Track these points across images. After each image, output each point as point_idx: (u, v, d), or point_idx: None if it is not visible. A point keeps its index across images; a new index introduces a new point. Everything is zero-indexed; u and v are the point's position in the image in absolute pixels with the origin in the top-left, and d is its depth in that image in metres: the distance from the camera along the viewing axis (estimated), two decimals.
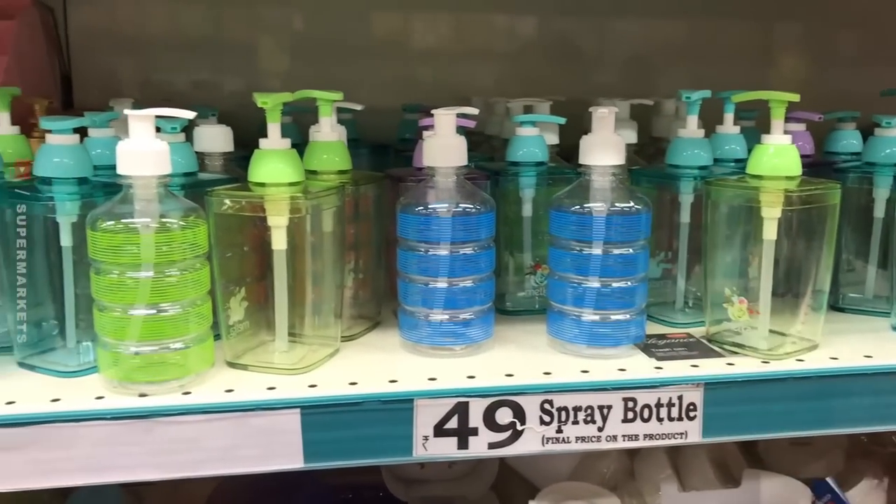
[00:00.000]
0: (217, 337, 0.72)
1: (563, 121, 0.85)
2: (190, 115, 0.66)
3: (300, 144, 0.76)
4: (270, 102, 0.68)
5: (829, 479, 1.05)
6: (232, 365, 0.72)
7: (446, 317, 0.74)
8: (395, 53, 1.32)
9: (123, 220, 0.64)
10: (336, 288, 0.75)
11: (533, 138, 0.86)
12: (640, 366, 0.72)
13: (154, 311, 0.65)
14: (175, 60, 1.26)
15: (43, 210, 0.69)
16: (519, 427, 0.67)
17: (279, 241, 0.71)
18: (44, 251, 0.71)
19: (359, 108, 0.85)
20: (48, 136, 0.69)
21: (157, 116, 0.64)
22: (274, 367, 0.71)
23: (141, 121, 0.64)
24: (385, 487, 1.18)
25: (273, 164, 0.70)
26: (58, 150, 0.69)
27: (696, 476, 1.09)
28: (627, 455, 1.19)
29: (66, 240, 0.70)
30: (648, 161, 1.02)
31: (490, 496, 1.15)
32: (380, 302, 0.86)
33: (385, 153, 1.15)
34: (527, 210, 0.87)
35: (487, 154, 1.04)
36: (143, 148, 0.64)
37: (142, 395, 0.65)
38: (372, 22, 1.31)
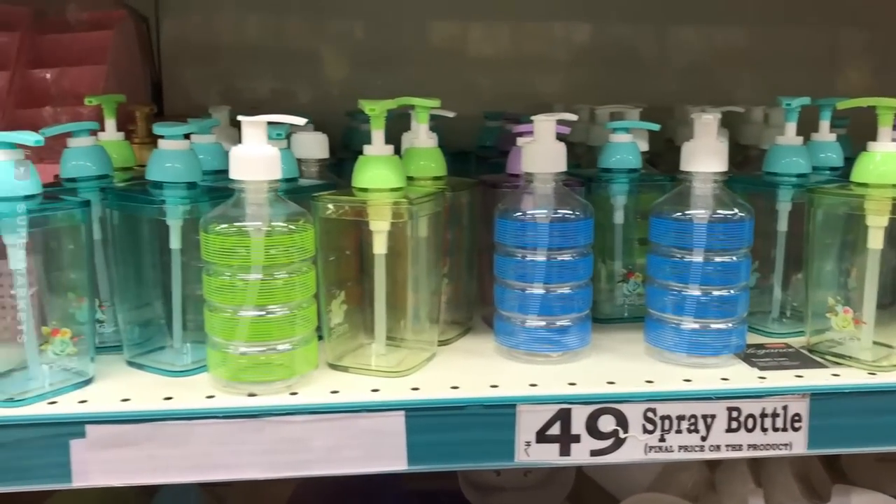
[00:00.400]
0: (318, 338, 0.73)
1: (657, 127, 0.85)
2: (301, 121, 0.67)
3: None
4: (378, 109, 0.69)
5: None
6: (333, 367, 0.73)
7: (543, 323, 0.74)
8: (453, 61, 1.33)
9: (236, 224, 0.66)
10: (433, 292, 0.76)
11: (626, 145, 0.85)
12: (742, 375, 0.71)
13: (262, 313, 0.66)
14: (257, 69, 1.29)
15: (154, 213, 0.71)
16: (622, 435, 0.67)
17: (380, 246, 0.72)
18: (153, 253, 0.74)
19: (451, 115, 0.86)
20: (160, 142, 0.71)
21: (269, 123, 0.66)
22: (374, 370, 0.72)
23: (254, 127, 0.65)
24: (461, 493, 1.18)
25: (376, 170, 0.71)
26: (169, 154, 0.71)
27: (780, 491, 1.07)
28: (708, 467, 1.18)
29: (175, 242, 0.72)
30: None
31: None
32: (471, 308, 0.86)
33: (466, 160, 1.15)
34: (618, 217, 0.86)
35: (571, 161, 1.04)
36: (256, 153, 0.65)
37: (251, 395, 0.67)
38: (430, 30, 1.33)
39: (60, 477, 0.64)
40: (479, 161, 1.16)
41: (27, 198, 0.65)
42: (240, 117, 0.65)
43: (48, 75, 1.05)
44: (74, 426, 0.63)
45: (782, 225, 0.82)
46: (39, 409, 0.64)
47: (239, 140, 0.90)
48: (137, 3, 1.19)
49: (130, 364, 0.74)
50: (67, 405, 0.65)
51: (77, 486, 0.64)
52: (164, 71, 1.24)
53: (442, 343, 0.80)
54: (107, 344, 0.77)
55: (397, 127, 0.78)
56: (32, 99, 1.04)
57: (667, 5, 1.35)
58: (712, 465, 1.17)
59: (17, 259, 0.65)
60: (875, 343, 0.74)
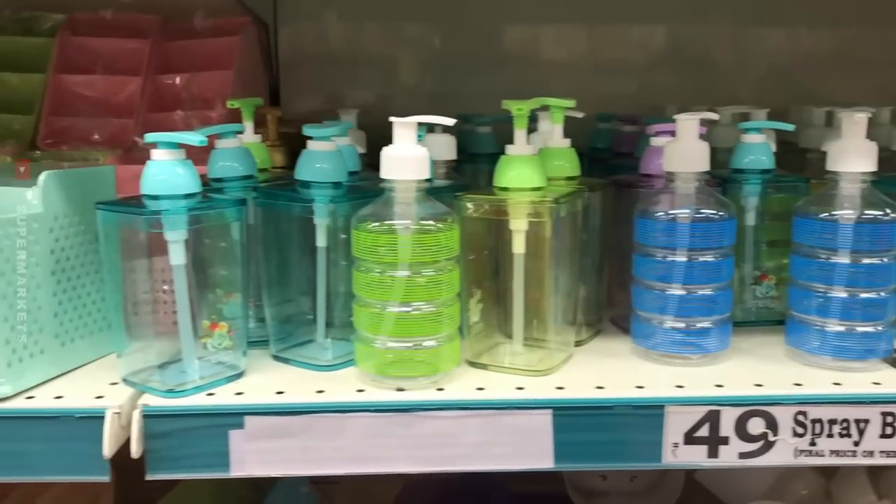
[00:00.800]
0: None
1: (791, 127, 0.84)
2: (450, 121, 0.68)
3: (497, 153, 0.76)
4: (523, 109, 0.70)
5: None
6: (472, 364, 0.74)
7: (682, 325, 0.73)
8: (528, 65, 1.34)
9: (386, 222, 0.67)
10: (570, 293, 0.76)
11: (759, 145, 0.84)
12: (894, 380, 0.69)
13: (409, 309, 0.68)
14: (366, 74, 1.31)
15: (303, 212, 0.73)
16: (771, 438, 0.66)
17: (519, 245, 0.73)
18: (298, 251, 0.76)
19: (581, 115, 0.86)
20: (309, 143, 0.73)
21: (419, 123, 0.67)
22: (514, 368, 0.73)
23: (405, 128, 0.67)
24: (567, 497, 1.18)
25: (518, 170, 0.72)
26: (318, 155, 0.73)
27: None
28: (823, 475, 1.15)
29: (321, 240, 0.74)
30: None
31: None
32: (601, 310, 0.86)
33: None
34: (750, 219, 0.85)
35: None
36: (408, 153, 0.67)
37: (399, 390, 0.68)
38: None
39: (219, 466, 0.66)
40: (591, 162, 1.16)
41: (188, 196, 0.67)
42: (392, 118, 0.67)
43: (177, 80, 1.09)
44: (234, 417, 0.65)
45: None
46: (199, 400, 0.67)
47: (363, 142, 0.93)
48: (257, 9, 1.23)
49: (276, 358, 0.76)
50: (225, 397, 0.67)
51: (234, 476, 0.66)
52: (281, 75, 1.27)
53: (576, 344, 0.80)
54: (250, 339, 0.79)
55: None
56: (163, 103, 1.08)
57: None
58: (828, 473, 1.15)
59: (178, 255, 0.68)
60: None
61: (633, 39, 1.37)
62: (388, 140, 0.68)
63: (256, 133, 0.87)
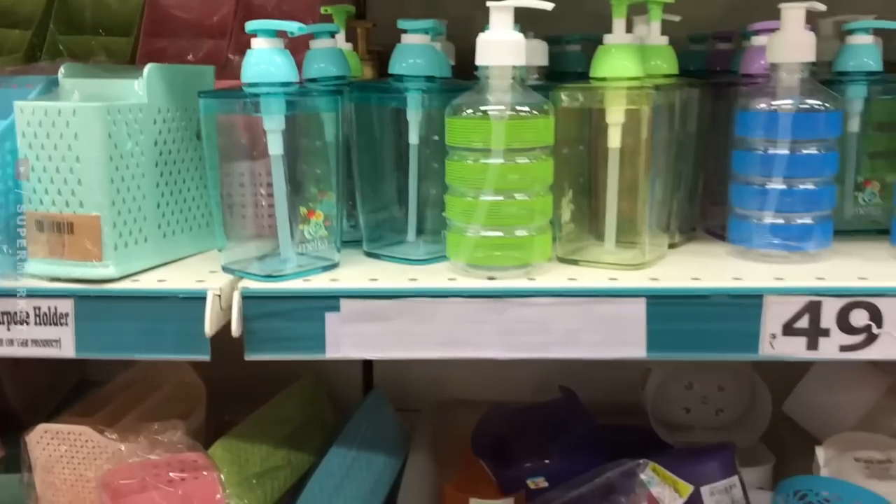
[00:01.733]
0: None
1: None
2: (549, 6, 0.67)
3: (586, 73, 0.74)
4: None
5: None
6: (563, 260, 0.74)
7: (782, 220, 0.71)
8: None
9: (480, 108, 0.67)
10: (666, 194, 0.75)
11: (867, 47, 0.81)
12: None
13: (501, 198, 0.68)
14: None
15: (397, 103, 0.73)
16: (874, 330, 0.64)
17: (615, 139, 0.72)
18: (392, 152, 0.76)
19: (677, 19, 0.84)
20: (403, 37, 0.73)
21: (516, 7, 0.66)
22: (606, 263, 0.72)
23: (502, 12, 0.66)
24: (650, 430, 1.16)
25: (616, 59, 0.70)
26: (412, 49, 0.73)
27: None
28: None
29: (414, 137, 0.74)
30: None
31: (760, 447, 1.11)
32: (695, 219, 0.85)
33: None
34: (854, 125, 0.82)
35: None
36: (503, 38, 0.66)
37: (490, 279, 0.68)
38: None
39: (315, 349, 0.68)
40: None
41: (285, 84, 0.68)
42: (489, 3, 0.66)
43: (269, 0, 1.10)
44: (330, 300, 0.67)
45: None
46: (295, 285, 0.68)
47: (452, 54, 0.92)
48: None
49: (368, 255, 0.77)
50: (320, 282, 0.69)
51: (329, 358, 0.68)
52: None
53: (670, 247, 0.79)
54: (344, 240, 0.81)
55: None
56: None
57: None
58: None
59: (276, 145, 0.69)
60: None
61: None
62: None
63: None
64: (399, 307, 0.66)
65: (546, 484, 0.94)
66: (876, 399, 1.06)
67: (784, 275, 0.68)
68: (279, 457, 0.97)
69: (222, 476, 0.86)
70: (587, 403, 1.04)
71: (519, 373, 1.14)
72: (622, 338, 0.66)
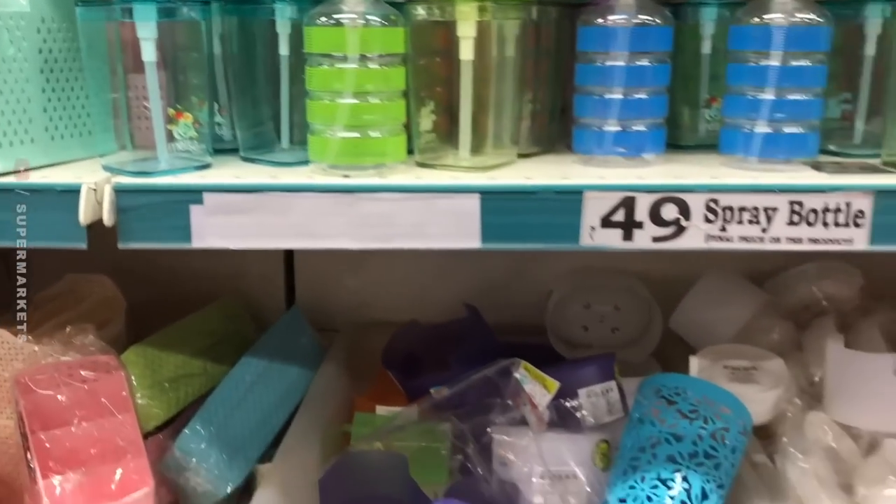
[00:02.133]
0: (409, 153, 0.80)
1: None
2: None
3: None
4: None
5: None
6: (420, 165, 0.80)
7: (618, 127, 0.78)
8: None
9: (334, 16, 0.73)
10: (517, 105, 0.81)
11: None
12: (809, 177, 0.73)
13: (357, 101, 0.74)
14: None
15: (266, 15, 0.78)
16: (683, 223, 0.71)
17: (467, 51, 0.77)
18: (265, 62, 0.82)
19: None
20: None
21: None
22: (457, 167, 0.78)
23: None
24: (550, 347, 1.23)
25: None
26: None
27: (865, 341, 1.07)
28: (795, 327, 1.18)
29: (283, 48, 0.80)
30: None
31: (651, 361, 1.18)
32: (553, 139, 0.91)
33: None
34: (705, 47, 0.88)
35: None
36: None
37: (345, 177, 0.74)
38: None
39: (182, 238, 0.74)
40: None
41: None
42: None
43: None
44: (193, 194, 0.73)
45: (870, 49, 0.82)
46: (165, 180, 0.74)
47: None
48: None
49: (244, 159, 0.83)
50: (189, 179, 0.75)
51: (195, 247, 0.74)
52: None
53: (522, 156, 0.85)
54: (225, 147, 0.87)
55: None
56: None
57: None
58: (800, 326, 1.18)
59: (149, 52, 0.75)
60: None
61: None
62: None
63: None
64: (258, 200, 0.73)
65: (447, 392, 0.99)
66: (751, 314, 1.14)
67: (609, 175, 0.75)
68: (195, 366, 1.03)
69: (133, 378, 0.92)
70: (499, 324, 1.11)
71: (437, 296, 1.22)
72: (460, 230, 0.73)
